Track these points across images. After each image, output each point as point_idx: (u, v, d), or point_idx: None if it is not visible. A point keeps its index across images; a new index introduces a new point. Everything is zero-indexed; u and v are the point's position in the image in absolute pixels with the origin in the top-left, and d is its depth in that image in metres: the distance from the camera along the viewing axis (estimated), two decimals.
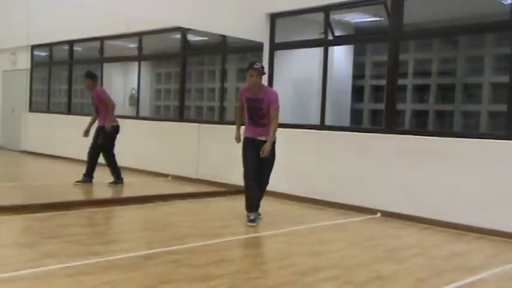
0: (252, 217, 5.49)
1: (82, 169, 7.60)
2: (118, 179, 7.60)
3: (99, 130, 7.55)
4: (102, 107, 7.52)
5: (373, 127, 8.59)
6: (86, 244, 4.49)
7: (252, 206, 5.57)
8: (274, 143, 5.58)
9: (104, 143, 7.51)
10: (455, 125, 8.00)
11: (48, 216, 5.53)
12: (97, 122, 7.65)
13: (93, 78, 7.69)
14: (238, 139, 5.70)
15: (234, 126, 5.84)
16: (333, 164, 6.97)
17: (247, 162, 5.56)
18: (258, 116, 5.55)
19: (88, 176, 7.56)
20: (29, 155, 10.89)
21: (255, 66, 5.49)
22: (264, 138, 5.52)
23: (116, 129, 7.58)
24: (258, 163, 5.53)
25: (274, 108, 5.49)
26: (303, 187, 7.23)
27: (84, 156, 7.67)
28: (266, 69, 7.91)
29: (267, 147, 5.41)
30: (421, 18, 7.28)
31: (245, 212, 5.57)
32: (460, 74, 8.13)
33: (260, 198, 5.67)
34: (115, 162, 7.58)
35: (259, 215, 5.67)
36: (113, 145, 7.58)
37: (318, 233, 5.45)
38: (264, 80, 7.81)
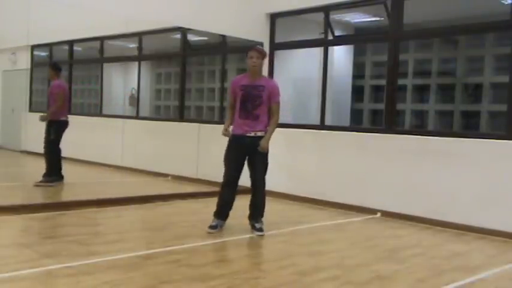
0: (214, 223, 5.12)
1: (82, 169, 7.59)
2: (58, 176, 7.45)
3: (50, 125, 7.41)
4: (52, 100, 7.44)
5: (373, 127, 8.60)
6: (86, 244, 4.49)
7: (220, 213, 5.20)
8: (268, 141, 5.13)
9: (55, 138, 7.37)
10: (455, 125, 8.01)
11: (48, 216, 5.53)
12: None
13: (55, 69, 7.61)
14: (226, 131, 5.14)
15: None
16: (333, 164, 6.97)
17: (229, 165, 5.16)
18: (253, 104, 5.04)
19: (58, 175, 7.45)
20: (29, 155, 10.89)
21: (257, 46, 5.16)
22: (254, 134, 5.06)
23: (64, 124, 7.47)
24: (242, 166, 5.15)
25: (276, 102, 5.10)
26: (303, 187, 7.23)
27: (83, 156, 7.68)
28: (266, 70, 7.92)
29: (265, 144, 5.01)
30: (421, 18, 7.29)
31: (246, 212, 5.47)
32: (460, 74, 8.13)
33: (262, 204, 5.23)
34: (60, 158, 7.48)
35: (224, 223, 5.26)
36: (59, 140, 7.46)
37: (318, 233, 5.45)
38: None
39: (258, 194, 5.24)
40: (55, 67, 7.67)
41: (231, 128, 5.22)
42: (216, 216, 5.23)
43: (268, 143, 5.07)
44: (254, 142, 5.06)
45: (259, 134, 5.08)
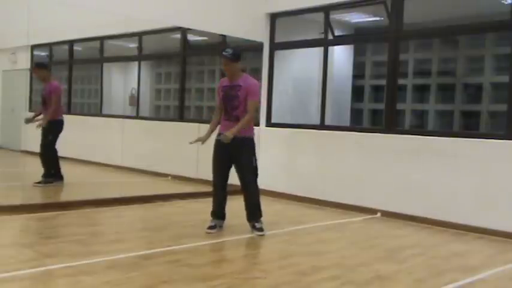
0: (212, 223, 5.16)
1: (82, 169, 7.58)
2: (57, 176, 7.40)
3: (48, 125, 7.31)
4: (49, 101, 7.39)
5: (373, 127, 8.59)
6: (86, 244, 4.50)
7: (217, 213, 5.23)
8: (252, 141, 5.11)
9: (53, 138, 7.32)
10: (455, 125, 8.00)
11: (48, 216, 5.53)
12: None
13: (47, 68, 7.56)
14: (200, 139, 5.10)
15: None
16: (332, 163, 6.97)
17: (216, 167, 5.17)
18: (231, 106, 5.00)
19: (57, 175, 7.43)
20: (29, 155, 10.88)
21: (224, 53, 4.92)
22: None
23: (62, 124, 7.42)
24: (229, 168, 5.15)
25: (254, 100, 5.00)
26: (303, 187, 7.23)
27: (83, 156, 7.66)
28: (266, 70, 7.92)
29: (229, 135, 4.83)
30: (421, 18, 7.28)
31: (244, 212, 5.47)
32: (460, 74, 8.12)
33: (257, 204, 5.21)
34: (57, 158, 7.42)
35: (223, 222, 5.29)
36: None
37: (318, 233, 5.45)
38: (264, 80, 7.88)
39: (249, 197, 5.23)
40: (45, 65, 7.64)
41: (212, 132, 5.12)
42: (213, 217, 5.26)
43: (232, 134, 4.86)
44: (236, 143, 4.95)
45: (240, 135, 4.98)
